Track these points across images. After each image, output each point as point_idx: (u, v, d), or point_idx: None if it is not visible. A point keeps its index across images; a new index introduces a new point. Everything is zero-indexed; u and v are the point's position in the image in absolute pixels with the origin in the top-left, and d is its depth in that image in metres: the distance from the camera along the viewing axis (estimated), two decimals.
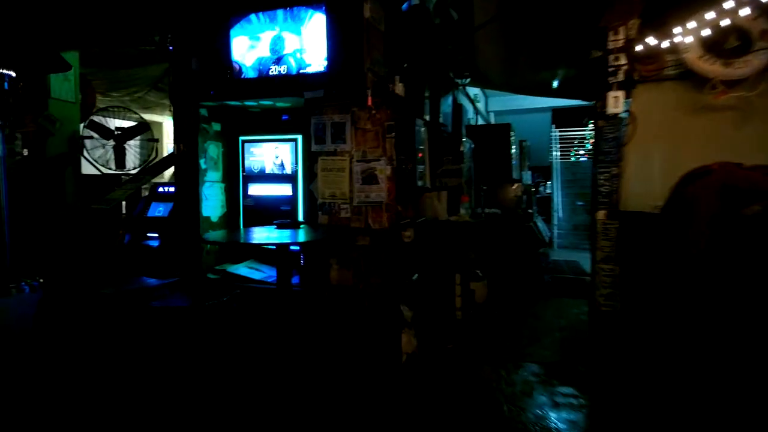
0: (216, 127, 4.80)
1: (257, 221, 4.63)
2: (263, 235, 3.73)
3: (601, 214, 3.79)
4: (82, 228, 5.27)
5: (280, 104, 4.46)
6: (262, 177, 4.75)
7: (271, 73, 4.13)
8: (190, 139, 4.50)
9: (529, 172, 10.11)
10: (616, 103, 3.71)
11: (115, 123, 7.50)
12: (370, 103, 3.84)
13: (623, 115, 3.71)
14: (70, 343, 4.11)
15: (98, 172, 7.01)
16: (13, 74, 6.18)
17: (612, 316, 3.74)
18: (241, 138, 4.82)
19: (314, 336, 3.88)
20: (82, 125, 6.89)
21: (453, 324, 4.66)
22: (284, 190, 4.66)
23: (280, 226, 3.87)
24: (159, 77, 8.85)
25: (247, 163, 4.83)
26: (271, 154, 4.74)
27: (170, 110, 5.51)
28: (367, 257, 3.92)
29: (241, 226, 4.89)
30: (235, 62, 4.25)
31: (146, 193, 5.76)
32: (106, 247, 5.05)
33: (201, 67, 4.47)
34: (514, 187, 7.22)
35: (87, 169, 7.14)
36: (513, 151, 7.87)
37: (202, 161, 4.59)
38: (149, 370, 3.71)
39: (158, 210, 5.19)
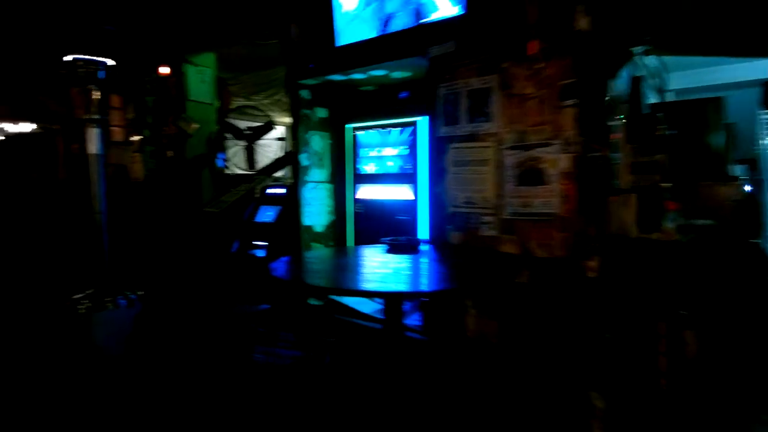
0: (321, 113, 3.54)
1: (369, 233, 3.25)
2: (367, 269, 2.29)
3: None
4: (192, 233, 4.52)
5: (396, 74, 2.99)
6: (375, 176, 3.36)
7: (382, 32, 2.67)
8: (294, 129, 3.31)
9: (741, 166, 7.00)
10: None
11: (247, 124, 6.96)
12: (534, 50, 2.13)
13: None
14: (161, 373, 3.21)
15: (232, 172, 6.47)
16: (168, 70, 5.85)
17: None
18: (350, 126, 3.48)
19: (435, 421, 2.33)
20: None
21: (656, 398, 2.69)
22: (402, 192, 3.20)
23: (393, 249, 2.41)
24: None
25: (356, 157, 3.48)
26: (386, 145, 3.30)
27: None
28: (525, 302, 2.23)
29: (349, 238, 3.55)
30: (338, 24, 2.89)
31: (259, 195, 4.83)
32: (214, 256, 4.19)
33: (301, 35, 3.22)
34: (730, 187, 4.66)
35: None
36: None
37: (303, 156, 3.36)
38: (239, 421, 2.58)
39: (266, 214, 4.16)
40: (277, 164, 4.99)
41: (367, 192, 3.45)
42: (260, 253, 4.04)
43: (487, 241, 2.43)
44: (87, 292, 3.36)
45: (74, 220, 4.81)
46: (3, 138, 6.86)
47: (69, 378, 3.02)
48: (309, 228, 3.43)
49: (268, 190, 4.30)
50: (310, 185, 3.43)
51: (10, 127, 6.66)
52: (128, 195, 5.33)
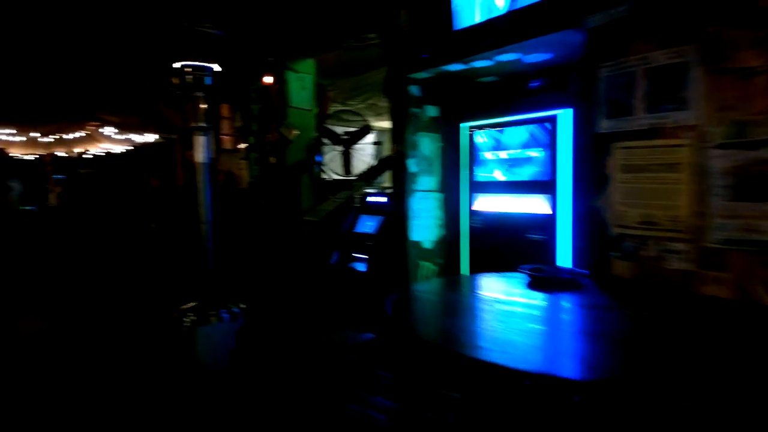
0: (431, 111, 3.00)
1: (488, 253, 2.64)
2: (507, 321, 1.69)
3: None
4: (292, 242, 4.27)
5: (531, 58, 2.35)
6: (497, 185, 2.73)
7: (513, 6, 2.05)
8: (398, 130, 2.82)
9: None
10: None
11: (344, 129, 6.71)
12: None
13: None
14: (262, 392, 2.93)
15: (330, 178, 6.25)
16: (272, 78, 5.82)
17: None
18: (465, 125, 2.89)
19: None
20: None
21: None
22: (534, 205, 2.53)
23: (537, 284, 1.78)
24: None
25: (473, 162, 2.88)
26: (512, 146, 2.66)
27: None
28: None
29: (463, 258, 2.96)
30: (457, 4, 2.33)
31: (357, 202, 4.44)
32: (314, 267, 3.88)
33: (411, 21, 2.72)
34: None
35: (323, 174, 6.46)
36: None
37: (412, 162, 2.86)
38: None
39: (367, 225, 3.75)
40: (375, 170, 4.58)
41: (486, 203, 2.83)
42: (360, 267, 3.62)
43: (677, 277, 1.69)
44: (192, 304, 3.20)
45: (187, 227, 4.89)
46: (131, 148, 7.42)
47: (173, 393, 2.85)
48: (417, 243, 2.91)
49: (369, 199, 3.88)
50: (418, 195, 2.91)
51: (138, 138, 7.15)
52: (234, 202, 5.29)
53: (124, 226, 4.37)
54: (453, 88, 2.91)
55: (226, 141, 7.28)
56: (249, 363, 3.08)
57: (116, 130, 6.54)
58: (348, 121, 7.32)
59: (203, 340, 3.05)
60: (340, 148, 6.34)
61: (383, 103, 8.85)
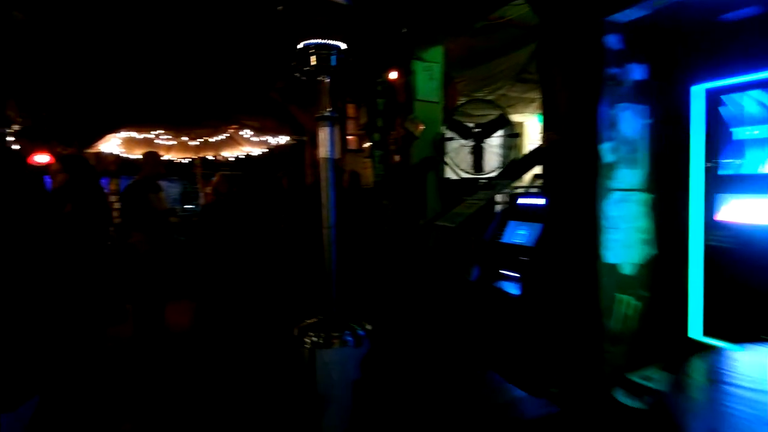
0: (636, 73, 1.94)
1: (747, 292, 1.50)
2: None
3: None
4: (420, 251, 3.52)
5: None
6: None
7: None
8: (581, 104, 1.84)
9: None
10: None
11: (473, 122, 5.81)
12: None
13: None
14: None
15: (458, 177, 5.43)
16: (398, 70, 5.27)
17: None
18: (699, 87, 1.76)
19: None
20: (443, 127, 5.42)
21: None
22: None
23: None
24: (523, 64, 6.72)
25: (717, 144, 1.74)
26: None
27: (536, 103, 3.22)
28: None
29: (693, 294, 1.83)
30: None
31: (501, 206, 3.51)
32: (448, 284, 3.08)
33: None
34: None
35: (449, 173, 5.69)
36: None
37: (607, 148, 1.84)
38: None
39: (518, 234, 2.82)
40: (522, 165, 3.60)
41: (744, 210, 1.68)
42: (511, 288, 2.71)
43: None
44: (314, 320, 2.64)
45: (311, 229, 4.54)
46: (266, 150, 7.57)
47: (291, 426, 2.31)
48: (611, 267, 1.89)
49: (521, 201, 2.94)
50: (615, 195, 1.88)
51: (273, 140, 7.23)
52: (358, 204, 4.77)
53: (260, 226, 4.11)
54: (678, 34, 1.81)
55: (351, 141, 6.93)
56: (374, 401, 2.42)
57: (252, 133, 6.62)
58: (475, 114, 6.39)
59: (323, 367, 2.47)
60: (469, 142, 5.46)
61: (515, 93, 7.68)
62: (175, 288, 4.67)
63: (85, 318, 2.42)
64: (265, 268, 4.13)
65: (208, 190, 4.96)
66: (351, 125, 6.88)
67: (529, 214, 2.83)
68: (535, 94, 8.09)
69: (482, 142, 5.36)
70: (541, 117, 7.87)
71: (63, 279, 2.26)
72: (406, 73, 5.38)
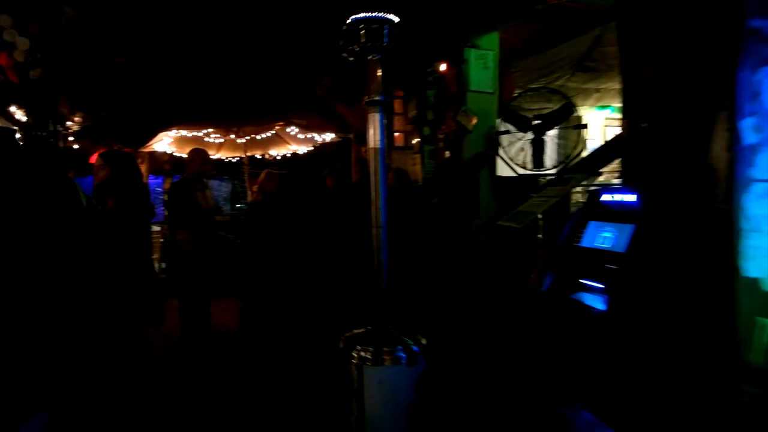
0: None
1: None
2: None
3: None
4: (475, 254, 3.10)
5: None
6: None
7: None
8: (700, 70, 1.37)
9: None
10: None
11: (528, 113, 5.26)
12: None
13: None
14: None
15: (513, 173, 4.96)
16: (449, 59, 4.89)
17: None
18: None
19: None
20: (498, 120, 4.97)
21: None
22: None
23: None
24: (585, 52, 6.13)
25: None
26: None
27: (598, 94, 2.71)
28: None
29: None
30: None
31: (576, 204, 3.01)
32: (514, 293, 2.65)
33: None
34: None
35: (501, 169, 5.23)
36: None
37: (747, 124, 1.35)
38: None
39: (602, 236, 2.34)
40: (601, 156, 3.08)
41: None
42: (594, 302, 2.23)
43: None
44: (362, 330, 2.32)
45: (357, 229, 4.26)
46: (311, 148, 7.41)
47: None
48: (752, 283, 1.40)
49: (606, 198, 2.45)
50: (757, 188, 1.39)
51: (319, 138, 7.06)
52: (406, 203, 4.42)
53: (304, 225, 3.88)
54: None
55: (398, 138, 6.60)
56: (432, 429, 2.05)
57: (298, 130, 6.46)
58: (531, 107, 5.84)
59: (372, 387, 2.14)
60: (528, 136, 4.96)
61: (574, 84, 7.07)
62: (222, 286, 4.58)
63: (124, 318, 2.23)
64: (310, 269, 3.90)
65: (255, 188, 4.82)
66: (398, 122, 6.55)
67: (615, 213, 2.34)
68: (597, 84, 7.34)
69: (543, 134, 4.83)
70: (607, 107, 7.11)
71: (100, 277, 2.08)
72: (459, 62, 4.97)
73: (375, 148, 2.11)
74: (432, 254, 3.72)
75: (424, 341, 2.21)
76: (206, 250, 3.98)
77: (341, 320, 2.41)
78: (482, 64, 5.16)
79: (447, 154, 5.22)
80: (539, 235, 3.09)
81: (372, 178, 2.15)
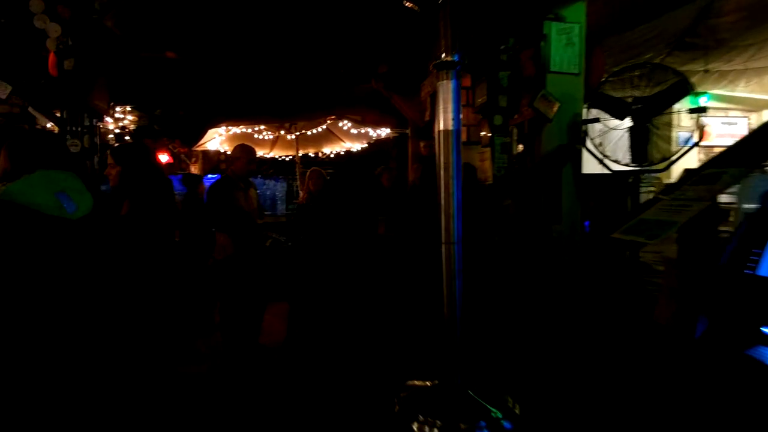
0: None
1: None
2: None
3: None
4: (568, 275, 2.30)
5: None
6: None
7: None
8: None
9: None
10: None
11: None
12: None
13: None
14: None
15: (605, 170, 4.04)
16: (527, 33, 4.09)
17: None
18: None
19: None
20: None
21: None
22: None
23: None
24: (688, 26, 5.04)
25: None
26: None
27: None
28: None
29: None
30: None
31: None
32: (642, 335, 1.82)
33: None
34: None
35: (588, 165, 4.32)
36: None
37: None
38: None
39: None
40: (762, 141, 2.13)
41: None
42: None
43: None
44: (426, 383, 1.64)
45: (416, 237, 3.61)
46: (365, 145, 6.89)
47: None
48: None
49: None
50: None
51: (373, 134, 6.52)
52: (473, 206, 3.66)
53: (353, 229, 3.29)
54: None
55: (463, 133, 5.82)
56: None
57: (351, 125, 5.93)
58: (640, 78, 4.80)
59: None
60: (625, 123, 4.01)
61: (670, 64, 5.88)
62: (275, 291, 4.19)
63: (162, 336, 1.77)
64: (360, 279, 3.31)
65: (304, 187, 4.34)
66: (465, 113, 5.77)
67: None
68: (703, 64, 6.03)
69: (647, 121, 3.84)
70: (703, 94, 5.69)
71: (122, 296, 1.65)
72: (537, 38, 4.11)
73: (446, 131, 1.41)
74: (508, 271, 2.95)
75: (516, 408, 1.48)
76: (249, 255, 3.53)
77: (395, 354, 1.78)
78: (565, 39, 4.26)
79: (520, 147, 4.38)
80: (659, 252, 2.21)
81: (441, 176, 1.46)
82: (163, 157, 6.99)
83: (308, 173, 3.95)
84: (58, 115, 2.72)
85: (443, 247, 1.45)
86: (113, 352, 1.51)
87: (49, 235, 1.41)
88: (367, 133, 6.40)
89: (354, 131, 6.24)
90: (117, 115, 5.44)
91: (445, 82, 1.43)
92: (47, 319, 1.36)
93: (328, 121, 5.95)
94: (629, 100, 4.00)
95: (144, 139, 5.93)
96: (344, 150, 7.27)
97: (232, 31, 4.43)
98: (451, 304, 1.40)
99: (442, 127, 1.48)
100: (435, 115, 1.55)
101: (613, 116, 4.00)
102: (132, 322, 1.70)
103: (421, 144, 4.83)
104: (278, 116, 5.73)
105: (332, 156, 7.60)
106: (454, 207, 1.41)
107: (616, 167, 3.90)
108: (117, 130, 5.39)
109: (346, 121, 5.89)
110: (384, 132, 6.41)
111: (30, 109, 2.70)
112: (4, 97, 2.56)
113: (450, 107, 1.43)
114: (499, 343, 2.24)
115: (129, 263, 1.75)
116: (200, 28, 4.25)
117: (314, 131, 6.10)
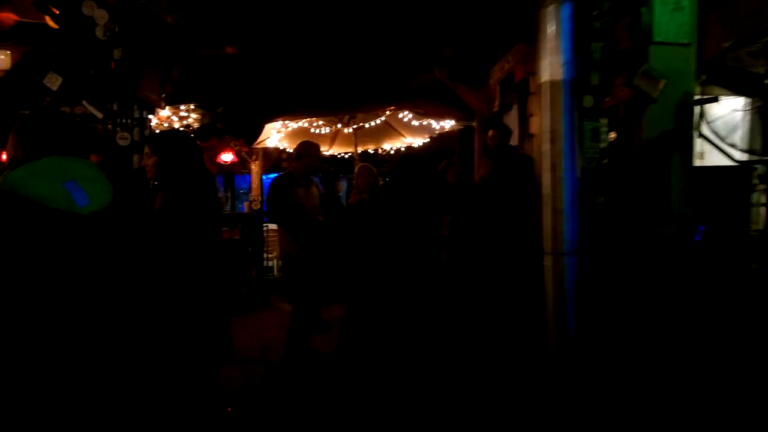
0: None
1: None
2: None
3: None
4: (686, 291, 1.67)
5: None
6: None
7: None
8: None
9: None
10: None
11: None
12: None
13: None
14: None
15: (728, 161, 3.26)
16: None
17: None
18: None
19: None
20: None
21: None
22: None
23: None
24: None
25: None
26: None
27: None
28: None
29: None
30: None
31: None
32: None
33: None
34: None
35: (704, 154, 3.53)
36: None
37: None
38: None
39: None
40: None
41: None
42: None
43: None
44: None
45: (486, 244, 3.09)
46: (427, 140, 6.46)
47: None
48: None
49: None
50: None
51: (437, 127, 6.06)
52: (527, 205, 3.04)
53: (410, 232, 2.86)
54: None
55: (534, 123, 5.13)
56: None
57: (411, 116, 5.51)
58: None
59: None
60: (754, 102, 3.18)
61: None
62: (333, 292, 3.94)
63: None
64: (419, 291, 2.88)
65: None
66: (533, 102, 5.08)
67: None
68: None
69: None
70: None
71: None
72: (636, 2, 3.40)
73: (553, 83, 1.05)
74: (605, 287, 2.33)
75: None
76: (310, 253, 3.29)
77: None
78: (673, 3, 3.48)
79: (612, 135, 3.64)
80: None
81: (545, 153, 1.00)
82: (228, 156, 7.10)
83: (356, 170, 3.64)
84: (108, 107, 2.62)
85: (549, 259, 0.96)
86: (122, 358, 1.24)
87: (53, 233, 1.16)
88: (429, 125, 5.94)
89: (415, 123, 5.81)
90: (181, 114, 5.54)
91: (551, 8, 0.94)
92: (47, 323, 1.13)
93: (387, 112, 5.58)
94: (761, 72, 3.17)
95: (210, 138, 6.00)
96: (405, 146, 6.87)
97: (290, 21, 4.21)
98: (562, 340, 0.91)
99: (546, 76, 1.00)
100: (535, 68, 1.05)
101: (738, 94, 3.18)
102: (149, 324, 1.42)
103: (489, 133, 4.27)
104: (336, 109, 5.49)
105: (392, 152, 7.23)
106: (567, 200, 0.91)
107: (739, 156, 3.10)
108: (181, 129, 5.48)
109: (406, 112, 5.49)
110: (448, 124, 5.91)
111: (84, 103, 2.64)
112: (55, 89, 2.52)
113: (558, 45, 0.97)
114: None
115: (151, 264, 1.47)
116: (257, 21, 4.08)
117: (372, 123, 5.77)
